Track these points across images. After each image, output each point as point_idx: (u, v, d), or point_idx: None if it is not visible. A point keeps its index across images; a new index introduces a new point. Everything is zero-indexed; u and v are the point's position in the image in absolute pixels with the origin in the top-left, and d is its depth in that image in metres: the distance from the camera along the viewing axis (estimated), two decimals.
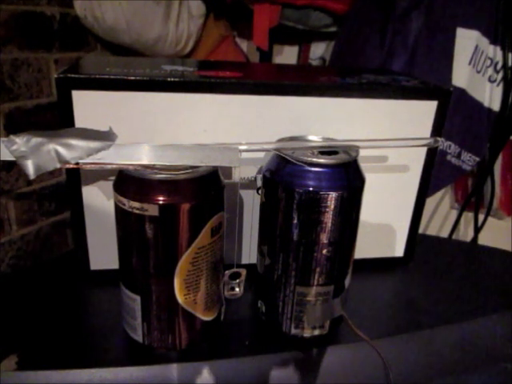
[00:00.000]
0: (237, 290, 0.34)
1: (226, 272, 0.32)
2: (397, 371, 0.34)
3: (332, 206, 0.30)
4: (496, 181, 0.87)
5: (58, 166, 0.28)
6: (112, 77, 0.34)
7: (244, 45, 1.14)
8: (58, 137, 0.28)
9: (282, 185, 0.31)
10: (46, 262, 0.46)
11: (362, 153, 0.32)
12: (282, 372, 0.33)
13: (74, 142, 0.28)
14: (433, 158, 0.41)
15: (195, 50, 1.06)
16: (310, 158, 0.30)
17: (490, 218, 0.89)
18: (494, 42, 0.74)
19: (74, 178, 0.36)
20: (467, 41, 0.74)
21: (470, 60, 0.75)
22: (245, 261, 0.42)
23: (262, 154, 0.34)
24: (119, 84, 0.34)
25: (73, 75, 0.33)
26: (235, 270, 0.32)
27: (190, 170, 0.29)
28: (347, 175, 0.31)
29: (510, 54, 0.74)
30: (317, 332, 0.34)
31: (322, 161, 0.30)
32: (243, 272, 0.32)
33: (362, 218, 0.33)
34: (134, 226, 0.29)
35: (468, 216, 0.95)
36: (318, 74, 0.47)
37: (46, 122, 0.93)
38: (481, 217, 0.88)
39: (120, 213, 0.30)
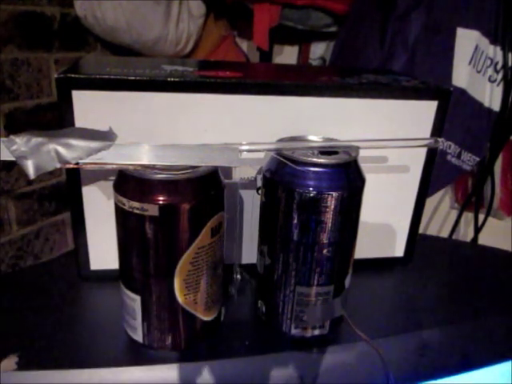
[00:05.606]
0: None
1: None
2: (397, 371, 0.34)
3: (332, 206, 0.30)
4: (496, 181, 0.87)
5: (58, 165, 0.28)
6: (112, 77, 0.34)
7: (244, 45, 1.14)
8: (58, 137, 0.28)
9: (282, 185, 0.31)
10: (46, 262, 0.46)
11: (362, 153, 0.32)
12: (282, 372, 0.33)
13: (74, 142, 0.28)
14: (433, 158, 0.41)
15: (195, 49, 1.06)
16: (310, 158, 0.30)
17: (490, 218, 0.89)
18: (494, 41, 0.74)
19: (74, 178, 0.36)
20: (467, 41, 0.74)
21: (470, 60, 0.75)
22: (245, 261, 0.42)
23: (262, 154, 0.34)
24: (119, 84, 0.34)
25: (73, 75, 0.33)
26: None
27: (190, 170, 0.29)
28: (347, 175, 0.31)
29: (510, 54, 0.74)
30: (317, 332, 0.34)
31: (322, 161, 0.30)
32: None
33: (362, 218, 0.33)
34: (134, 226, 0.29)
35: (468, 216, 0.95)
36: (317, 73, 0.47)
37: (46, 122, 0.94)
38: (481, 217, 0.88)
39: (120, 213, 0.30)
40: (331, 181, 0.30)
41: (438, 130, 0.40)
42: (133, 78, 0.34)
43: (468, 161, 0.80)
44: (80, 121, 0.34)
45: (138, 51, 1.00)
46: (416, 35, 0.75)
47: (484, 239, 0.88)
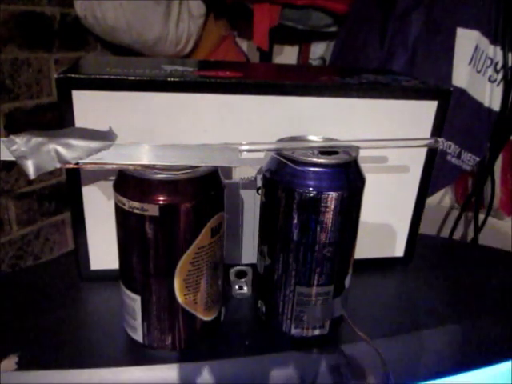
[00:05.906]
0: (245, 288, 0.34)
1: (232, 270, 0.32)
2: (397, 371, 0.34)
3: (332, 206, 0.30)
4: (496, 181, 0.87)
5: (58, 165, 0.28)
6: (112, 77, 0.34)
7: (244, 45, 1.14)
8: (58, 137, 0.28)
9: (282, 185, 0.31)
10: (46, 262, 0.46)
11: (362, 153, 0.32)
12: (282, 372, 0.33)
13: (74, 142, 0.28)
14: (433, 158, 0.41)
15: (195, 50, 1.06)
16: (310, 158, 0.30)
17: (490, 218, 0.89)
18: (494, 41, 0.74)
19: (74, 178, 0.36)
20: (467, 41, 0.74)
21: (470, 60, 0.75)
22: (245, 261, 0.42)
23: (262, 154, 0.34)
24: (119, 84, 0.34)
25: (73, 75, 0.33)
26: (240, 268, 0.32)
27: (190, 170, 0.29)
28: (347, 175, 0.31)
29: (510, 54, 0.74)
30: (317, 332, 0.34)
31: (322, 161, 0.30)
32: (249, 271, 0.32)
33: (362, 218, 0.33)
34: (134, 226, 0.29)
35: (468, 216, 0.94)
36: (317, 73, 0.47)
37: (46, 122, 0.94)
38: (481, 217, 0.88)
39: (120, 213, 0.30)
40: (331, 181, 0.30)
41: (438, 129, 0.40)
42: (133, 78, 0.34)
43: (468, 161, 0.80)
44: (80, 121, 0.34)
45: (138, 51, 1.00)
46: (416, 35, 0.75)
47: (484, 239, 0.88)
